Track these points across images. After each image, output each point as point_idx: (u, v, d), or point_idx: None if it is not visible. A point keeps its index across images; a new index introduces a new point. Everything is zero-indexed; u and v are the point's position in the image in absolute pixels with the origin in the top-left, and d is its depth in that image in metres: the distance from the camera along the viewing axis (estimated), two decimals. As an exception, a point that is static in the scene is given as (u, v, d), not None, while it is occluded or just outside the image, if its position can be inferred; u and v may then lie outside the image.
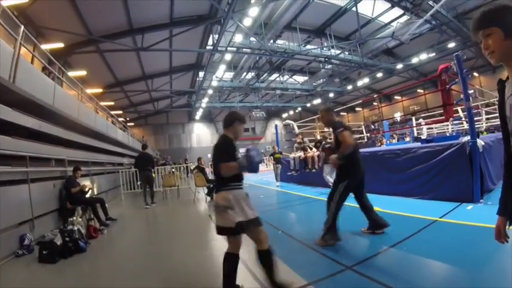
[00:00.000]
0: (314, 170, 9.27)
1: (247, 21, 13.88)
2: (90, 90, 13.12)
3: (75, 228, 4.71)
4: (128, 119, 30.64)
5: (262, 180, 13.41)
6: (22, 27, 5.51)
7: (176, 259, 3.91)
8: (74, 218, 5.49)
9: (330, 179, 8.01)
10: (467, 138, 5.38)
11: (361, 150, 10.25)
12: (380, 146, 14.88)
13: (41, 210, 5.42)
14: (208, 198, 8.95)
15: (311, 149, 9.80)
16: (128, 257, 4.23)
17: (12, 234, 4.44)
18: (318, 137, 10.27)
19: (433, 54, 20.01)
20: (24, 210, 4.87)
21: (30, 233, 4.78)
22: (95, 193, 8.03)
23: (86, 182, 7.40)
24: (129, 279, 3.31)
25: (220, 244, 3.54)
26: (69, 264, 3.99)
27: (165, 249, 4.41)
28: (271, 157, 12.22)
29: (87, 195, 6.76)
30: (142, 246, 4.67)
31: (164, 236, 4.93)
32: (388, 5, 16.24)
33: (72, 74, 11.49)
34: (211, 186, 8.97)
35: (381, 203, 5.78)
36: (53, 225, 5.72)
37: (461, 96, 5.67)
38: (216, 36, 14.92)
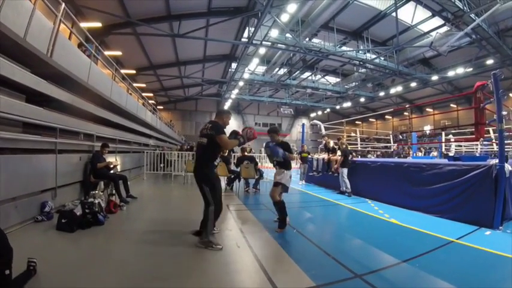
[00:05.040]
0: (336, 174, 9.14)
1: (284, 17, 13.75)
2: (123, 71, 13.47)
3: (96, 201, 4.80)
4: (157, 102, 31.35)
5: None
6: (63, 4, 5.69)
7: (187, 242, 3.93)
8: (96, 191, 5.60)
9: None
10: (495, 161, 5.12)
11: (385, 160, 10.05)
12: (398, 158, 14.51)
13: (65, 180, 5.65)
14: (228, 188, 9.02)
15: (336, 152, 9.63)
16: (143, 234, 4.28)
17: (34, 200, 4.62)
18: (331, 144, 10.15)
19: (470, 69, 19.12)
20: (48, 178, 5.07)
21: (52, 201, 4.96)
22: (119, 170, 8.28)
23: (112, 159, 7.65)
24: (141, 255, 3.39)
25: (234, 234, 3.56)
26: (86, 234, 4.10)
27: (180, 231, 4.44)
28: (299, 155, 12.11)
29: (111, 171, 6.96)
30: (158, 226, 4.72)
31: (181, 219, 5.00)
32: (429, 13, 15.69)
33: (107, 53, 11.85)
34: (232, 177, 9.12)
35: (399, 217, 5.67)
36: (74, 196, 5.96)
37: (495, 116, 5.39)
38: (252, 29, 14.91)
